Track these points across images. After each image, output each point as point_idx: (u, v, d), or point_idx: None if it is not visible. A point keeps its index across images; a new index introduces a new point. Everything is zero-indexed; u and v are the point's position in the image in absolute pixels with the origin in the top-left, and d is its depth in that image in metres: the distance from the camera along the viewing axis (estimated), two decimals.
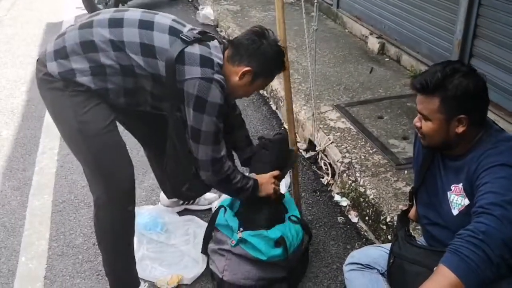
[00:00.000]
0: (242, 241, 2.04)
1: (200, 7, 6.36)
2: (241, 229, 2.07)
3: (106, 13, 1.85)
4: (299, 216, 2.24)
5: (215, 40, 1.88)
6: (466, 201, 1.45)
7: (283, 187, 2.56)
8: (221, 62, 1.82)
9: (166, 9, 6.63)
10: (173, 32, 1.80)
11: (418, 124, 1.52)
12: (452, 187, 1.50)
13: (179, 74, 1.76)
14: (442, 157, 1.58)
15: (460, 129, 1.45)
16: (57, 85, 1.78)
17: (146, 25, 1.79)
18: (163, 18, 1.85)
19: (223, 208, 2.19)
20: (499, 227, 1.24)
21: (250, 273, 2.06)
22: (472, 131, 1.47)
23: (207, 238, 2.22)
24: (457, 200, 1.48)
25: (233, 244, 2.05)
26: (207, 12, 6.03)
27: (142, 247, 2.32)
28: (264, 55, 1.84)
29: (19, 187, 2.95)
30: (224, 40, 1.96)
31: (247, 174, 2.15)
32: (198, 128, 1.81)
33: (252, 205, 2.15)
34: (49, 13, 6.80)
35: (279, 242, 2.04)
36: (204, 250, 2.23)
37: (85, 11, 6.17)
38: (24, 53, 5.24)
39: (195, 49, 1.77)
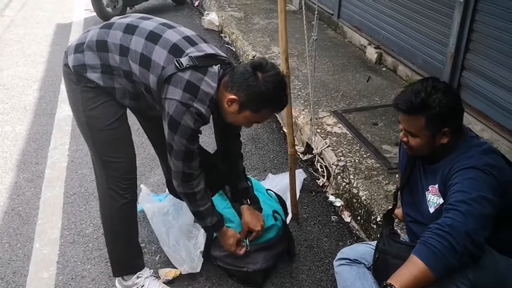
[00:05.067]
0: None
1: (205, 12, 6.53)
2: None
3: (129, 18, 1.98)
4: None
5: (218, 66, 1.87)
6: (441, 200, 1.62)
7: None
8: (209, 91, 1.82)
9: (172, 14, 6.82)
10: (174, 50, 1.84)
11: (405, 139, 1.67)
12: (430, 188, 1.67)
13: (163, 92, 1.83)
14: (422, 160, 1.75)
15: (445, 140, 1.62)
16: (72, 77, 1.93)
17: (153, 38, 1.86)
18: (173, 34, 1.89)
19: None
20: (464, 221, 1.41)
21: (268, 256, 2.30)
22: (453, 139, 1.64)
23: (209, 247, 2.35)
24: (433, 199, 1.65)
25: (247, 247, 2.25)
26: (212, 18, 6.20)
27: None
28: (252, 88, 1.80)
29: (33, 179, 3.13)
30: (229, 63, 1.96)
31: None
32: (171, 143, 1.87)
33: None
34: (59, 14, 6.99)
35: (275, 216, 2.34)
36: (207, 257, 2.36)
37: (94, 13, 6.37)
38: (35, 52, 5.42)
39: (186, 74, 1.80)
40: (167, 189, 2.70)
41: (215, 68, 1.86)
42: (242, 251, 2.22)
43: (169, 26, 1.95)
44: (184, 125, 1.81)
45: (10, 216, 2.78)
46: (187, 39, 1.90)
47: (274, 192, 2.59)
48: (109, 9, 6.39)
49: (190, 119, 1.80)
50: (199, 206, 2.05)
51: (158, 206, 2.57)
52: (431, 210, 1.68)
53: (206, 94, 1.81)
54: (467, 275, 1.51)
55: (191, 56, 1.82)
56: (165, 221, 2.47)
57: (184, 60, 1.80)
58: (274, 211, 2.37)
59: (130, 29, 1.90)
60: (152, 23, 1.94)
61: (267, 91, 1.81)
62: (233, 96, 1.82)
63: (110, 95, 1.94)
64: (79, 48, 1.93)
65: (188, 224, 2.49)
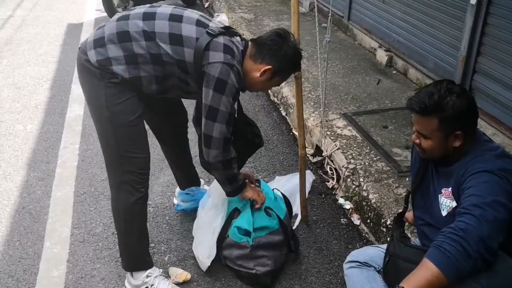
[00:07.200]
0: (255, 231, 2.27)
1: (216, 14, 6.56)
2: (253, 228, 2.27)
3: (141, 8, 2.06)
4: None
5: (238, 37, 2.09)
6: (454, 204, 1.60)
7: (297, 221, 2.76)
8: (238, 54, 2.02)
9: None
10: (200, 24, 2.00)
11: (417, 141, 1.66)
12: (443, 191, 1.66)
13: (203, 59, 1.95)
14: (434, 163, 1.74)
15: (457, 143, 1.60)
16: (95, 73, 1.97)
17: (175, 18, 1.99)
18: (192, 13, 2.07)
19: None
20: (477, 226, 1.39)
21: (273, 256, 2.31)
22: (467, 143, 1.63)
23: (220, 245, 2.36)
24: (446, 202, 1.64)
25: (252, 244, 2.25)
26: (222, 19, 6.22)
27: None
28: (284, 56, 2.05)
29: (43, 178, 3.15)
30: (244, 38, 2.15)
31: None
32: (216, 107, 1.97)
33: None
34: (70, 14, 7.04)
35: (267, 211, 2.34)
36: (218, 256, 2.36)
37: (105, 14, 6.41)
38: (46, 52, 5.47)
39: (220, 39, 1.97)
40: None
41: (237, 38, 2.08)
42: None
43: (183, 8, 2.11)
44: (231, 84, 1.96)
45: (21, 214, 2.80)
46: (203, 17, 2.08)
47: (281, 192, 2.59)
48: (119, 10, 6.43)
49: (235, 77, 1.97)
50: (233, 169, 2.16)
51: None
52: (444, 213, 1.67)
53: (237, 56, 2.02)
54: (480, 280, 1.49)
55: (216, 27, 2.01)
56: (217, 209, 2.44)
57: (214, 29, 1.99)
58: (267, 207, 2.35)
59: (149, 16, 1.99)
60: (167, 7, 2.06)
61: (294, 57, 2.10)
62: (268, 67, 2.04)
63: (133, 90, 2.00)
64: (99, 42, 1.97)
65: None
